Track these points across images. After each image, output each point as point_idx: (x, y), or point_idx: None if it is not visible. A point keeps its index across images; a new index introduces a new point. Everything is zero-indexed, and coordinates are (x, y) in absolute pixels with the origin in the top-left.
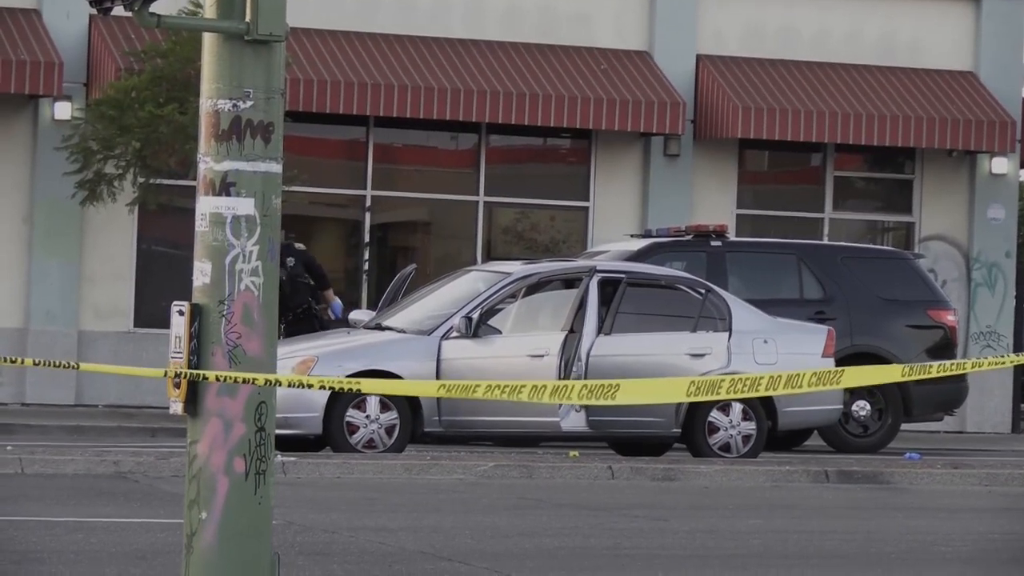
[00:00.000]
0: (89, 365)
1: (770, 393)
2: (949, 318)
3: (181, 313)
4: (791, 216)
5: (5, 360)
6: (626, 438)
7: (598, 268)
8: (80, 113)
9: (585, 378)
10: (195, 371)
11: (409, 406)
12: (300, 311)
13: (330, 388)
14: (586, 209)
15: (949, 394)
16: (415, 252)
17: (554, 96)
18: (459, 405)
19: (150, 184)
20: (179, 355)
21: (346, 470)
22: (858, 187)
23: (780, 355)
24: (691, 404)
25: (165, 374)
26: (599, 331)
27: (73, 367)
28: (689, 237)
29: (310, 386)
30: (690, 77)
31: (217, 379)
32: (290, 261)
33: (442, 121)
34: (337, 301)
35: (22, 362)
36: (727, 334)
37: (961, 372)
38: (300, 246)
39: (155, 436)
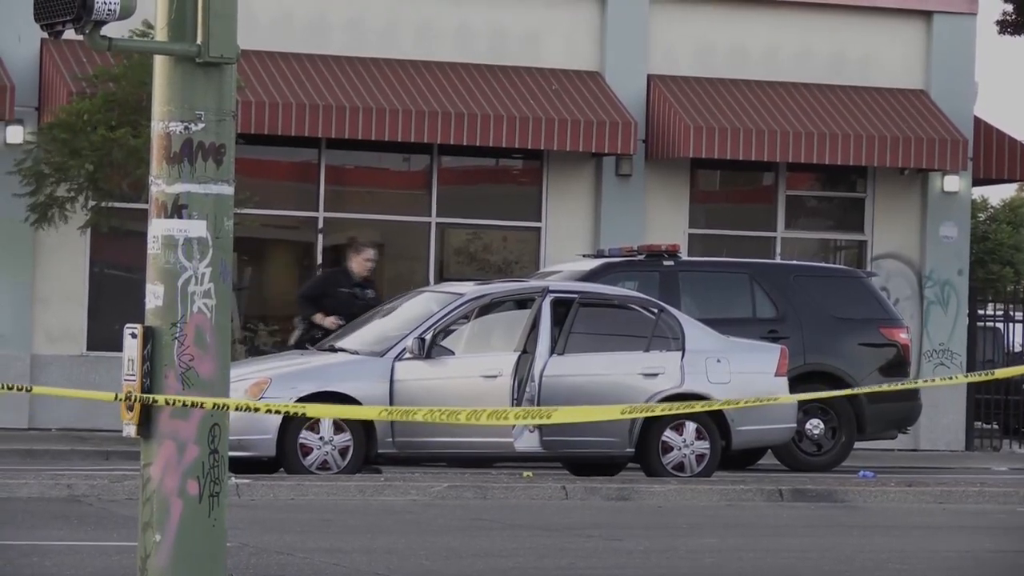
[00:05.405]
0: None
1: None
2: (902, 336)
3: (134, 336)
4: (743, 235)
5: None
6: (580, 458)
7: (551, 288)
8: (32, 137)
9: (538, 398)
10: (147, 395)
11: (363, 427)
12: None
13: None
14: (538, 229)
15: (903, 412)
16: None
17: (506, 117)
18: (413, 426)
19: (102, 207)
20: (132, 378)
21: (300, 492)
22: (810, 206)
23: (733, 374)
24: (644, 424)
25: (116, 397)
26: (552, 351)
27: (26, 390)
28: (642, 257)
29: (256, 410)
30: (641, 97)
31: (167, 403)
32: None
33: (394, 142)
34: None
35: None
36: (680, 353)
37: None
38: None
39: (109, 459)
